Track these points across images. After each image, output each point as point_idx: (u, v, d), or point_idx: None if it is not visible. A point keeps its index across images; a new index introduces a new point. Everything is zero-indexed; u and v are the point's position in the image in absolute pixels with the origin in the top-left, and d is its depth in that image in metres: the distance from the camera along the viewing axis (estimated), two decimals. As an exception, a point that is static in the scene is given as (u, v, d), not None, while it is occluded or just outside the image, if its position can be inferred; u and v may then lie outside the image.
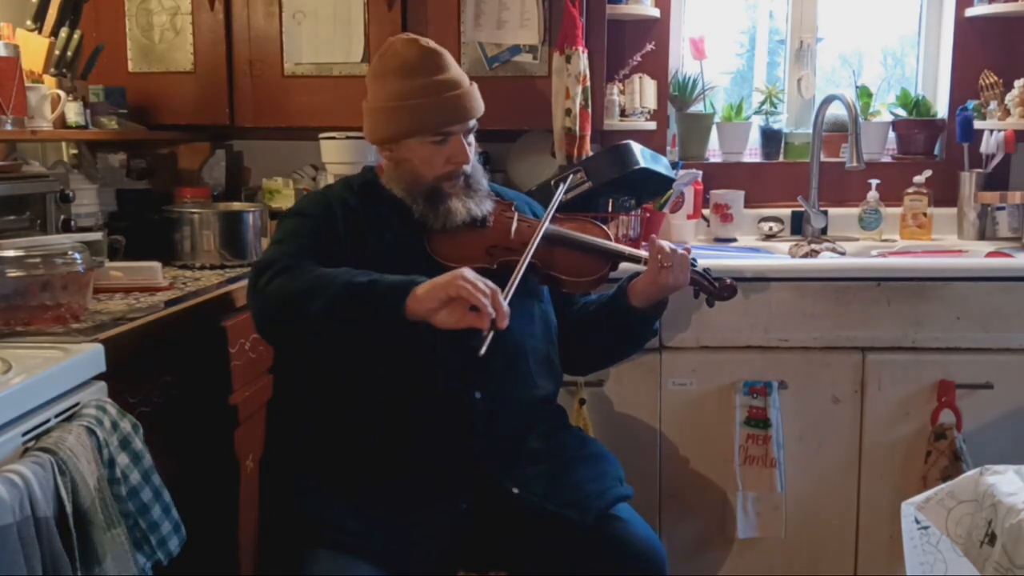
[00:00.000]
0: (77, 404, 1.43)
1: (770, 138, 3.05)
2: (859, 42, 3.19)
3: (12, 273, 1.62)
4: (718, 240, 2.89)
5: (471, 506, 1.71)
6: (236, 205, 2.55)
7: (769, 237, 2.91)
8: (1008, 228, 2.81)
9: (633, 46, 2.92)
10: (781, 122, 3.07)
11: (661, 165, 2.44)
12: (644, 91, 2.90)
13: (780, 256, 2.73)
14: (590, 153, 2.53)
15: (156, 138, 2.75)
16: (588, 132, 2.53)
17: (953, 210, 2.89)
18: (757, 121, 3.08)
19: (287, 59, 2.67)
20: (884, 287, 2.30)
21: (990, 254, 2.65)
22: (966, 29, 2.91)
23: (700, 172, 2.86)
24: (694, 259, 1.89)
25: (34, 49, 2.23)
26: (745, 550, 2.41)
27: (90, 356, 1.48)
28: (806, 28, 3.06)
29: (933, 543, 1.65)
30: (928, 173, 2.87)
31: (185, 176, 2.83)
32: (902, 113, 3.03)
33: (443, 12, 2.61)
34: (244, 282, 1.87)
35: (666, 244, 1.83)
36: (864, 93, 3.05)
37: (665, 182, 2.50)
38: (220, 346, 1.93)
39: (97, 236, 2.10)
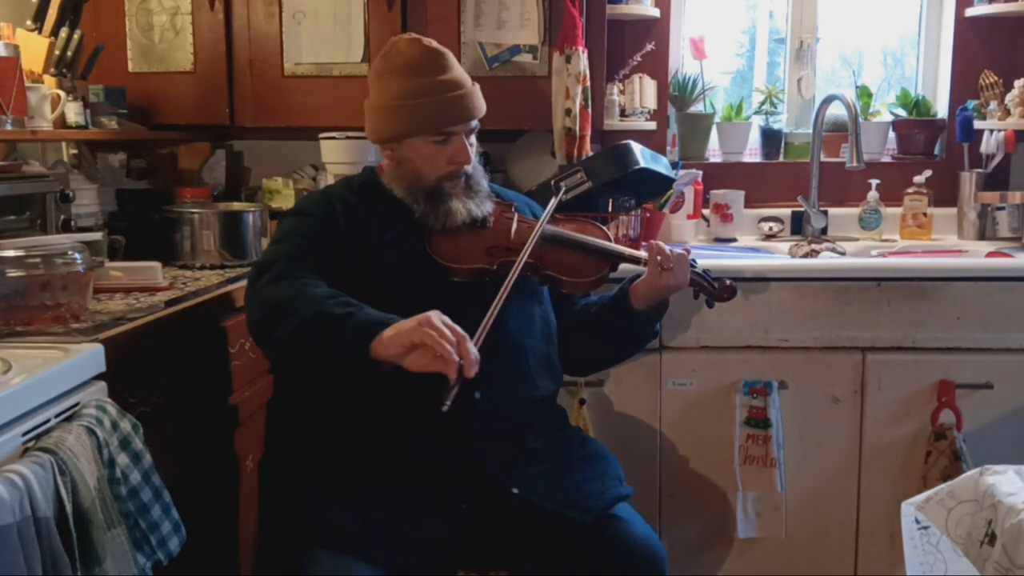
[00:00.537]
0: (77, 404, 1.43)
1: (770, 138, 3.05)
2: (859, 42, 3.19)
3: (12, 273, 1.63)
4: (718, 240, 2.89)
5: (471, 506, 1.71)
6: (236, 205, 2.55)
7: (769, 237, 2.91)
8: (1008, 228, 2.81)
9: (633, 46, 2.92)
10: (781, 122, 3.07)
11: (661, 165, 2.44)
12: (644, 91, 2.90)
13: (780, 256, 2.73)
14: (590, 153, 2.53)
15: (156, 138, 2.75)
16: (588, 132, 2.53)
17: (953, 210, 2.89)
18: (757, 121, 3.08)
19: (287, 59, 2.67)
20: (884, 287, 2.30)
21: (990, 254, 2.65)
22: (966, 29, 2.91)
23: (700, 172, 2.86)
24: (694, 260, 1.89)
25: (34, 49, 2.23)
26: (745, 550, 2.41)
27: (90, 356, 1.48)
28: (806, 28, 3.06)
29: (933, 543, 1.65)
30: (928, 173, 2.87)
31: (185, 176, 2.83)
32: (902, 113, 3.03)
33: (443, 12, 2.61)
34: (244, 282, 1.87)
35: (666, 246, 1.84)
36: (864, 93, 3.05)
37: (665, 182, 2.50)
38: (220, 346, 1.93)
39: (97, 236, 2.10)
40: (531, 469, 1.76)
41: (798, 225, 2.92)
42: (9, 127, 1.98)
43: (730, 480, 2.36)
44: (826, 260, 2.65)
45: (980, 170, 2.86)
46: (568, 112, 2.50)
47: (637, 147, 2.38)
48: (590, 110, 2.53)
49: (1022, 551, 1.39)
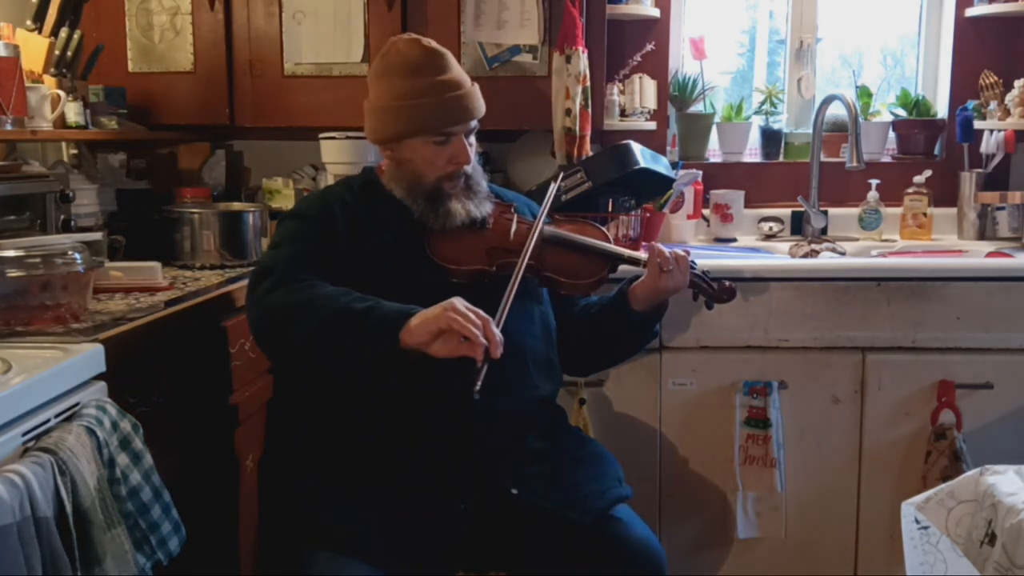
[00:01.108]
0: (77, 404, 1.43)
1: (770, 138, 3.05)
2: (859, 42, 3.19)
3: (12, 273, 1.63)
4: (718, 240, 2.89)
5: (470, 506, 1.71)
6: (236, 205, 2.55)
7: (769, 237, 2.91)
8: (1008, 228, 2.81)
9: (633, 46, 2.92)
10: (781, 122, 3.07)
11: (661, 165, 2.44)
12: (644, 91, 2.90)
13: (780, 256, 2.73)
14: (590, 153, 2.53)
15: (156, 138, 2.75)
16: (588, 132, 2.53)
17: (953, 210, 2.89)
18: (757, 121, 3.08)
19: (287, 59, 2.67)
20: (884, 287, 2.30)
21: (990, 254, 2.65)
22: (966, 29, 2.91)
23: (700, 172, 2.86)
24: (693, 261, 1.89)
25: (34, 49, 2.23)
26: (745, 550, 2.41)
27: (90, 356, 1.48)
28: (806, 28, 3.06)
29: (933, 543, 1.65)
30: (928, 173, 2.87)
31: (185, 176, 2.83)
32: (902, 113, 3.03)
33: (443, 12, 2.61)
34: (244, 282, 1.87)
35: (666, 248, 1.84)
36: (864, 93, 3.05)
37: (665, 182, 2.50)
38: (220, 346, 1.93)
39: (97, 236, 2.10)
40: (531, 469, 1.76)
41: (798, 225, 2.92)
42: (9, 127, 1.98)
43: (730, 480, 2.36)
44: (826, 260, 2.65)
45: (980, 170, 2.86)
46: (568, 112, 2.50)
47: (637, 147, 2.38)
48: (590, 110, 2.53)
49: (1022, 551, 1.39)
